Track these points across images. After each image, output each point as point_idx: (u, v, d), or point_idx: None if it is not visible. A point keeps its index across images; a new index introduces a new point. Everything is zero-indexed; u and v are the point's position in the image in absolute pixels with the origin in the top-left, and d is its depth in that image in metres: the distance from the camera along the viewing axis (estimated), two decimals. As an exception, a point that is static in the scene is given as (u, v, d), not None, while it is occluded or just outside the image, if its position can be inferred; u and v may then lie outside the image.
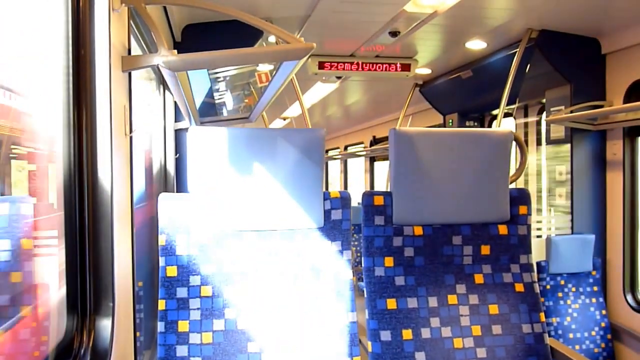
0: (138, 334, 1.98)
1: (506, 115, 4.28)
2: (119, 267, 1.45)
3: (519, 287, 1.85)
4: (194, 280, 1.64)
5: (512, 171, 2.04)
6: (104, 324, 1.39)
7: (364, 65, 4.20)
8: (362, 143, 8.54)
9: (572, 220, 3.69)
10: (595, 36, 3.47)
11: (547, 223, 3.80)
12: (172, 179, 3.29)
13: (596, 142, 3.60)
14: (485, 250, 1.85)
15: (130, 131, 1.67)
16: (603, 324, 3.46)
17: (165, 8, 2.66)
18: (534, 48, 3.42)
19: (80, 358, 1.33)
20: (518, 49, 3.44)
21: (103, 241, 1.40)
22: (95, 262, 1.39)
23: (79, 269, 1.39)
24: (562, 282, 3.46)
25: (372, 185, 8.66)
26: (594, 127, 3.54)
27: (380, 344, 1.72)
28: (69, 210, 1.38)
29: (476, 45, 3.77)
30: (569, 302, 3.45)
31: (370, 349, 1.73)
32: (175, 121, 3.45)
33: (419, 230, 1.82)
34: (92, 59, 1.38)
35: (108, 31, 1.39)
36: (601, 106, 3.44)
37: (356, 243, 6.08)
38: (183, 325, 1.61)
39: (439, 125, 5.41)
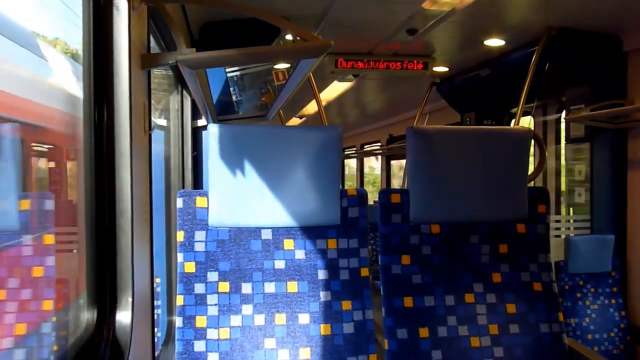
0: (156, 329, 2.00)
1: (525, 113, 4.24)
2: (137, 262, 1.46)
3: (537, 287, 1.83)
4: (212, 276, 1.65)
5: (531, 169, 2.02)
6: (124, 318, 1.41)
7: (381, 63, 4.19)
8: (378, 142, 8.52)
9: (591, 220, 3.65)
10: (616, 33, 3.42)
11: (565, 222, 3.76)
12: (190, 176, 3.32)
13: (617, 141, 3.55)
14: (503, 249, 1.84)
15: (150, 128, 1.68)
16: (622, 325, 3.42)
17: (183, 6, 2.68)
18: (554, 46, 3.37)
19: (101, 352, 1.35)
20: (537, 47, 3.40)
21: (123, 237, 1.42)
22: (115, 257, 1.41)
23: (99, 265, 1.41)
24: (581, 283, 3.42)
25: (388, 183, 8.64)
26: (615, 126, 3.49)
27: (397, 341, 1.72)
28: (90, 206, 1.40)
29: (494, 43, 3.74)
30: (587, 302, 3.41)
31: (386, 347, 1.73)
32: (193, 119, 3.48)
33: (436, 229, 1.81)
34: (113, 57, 1.40)
35: (128, 29, 1.41)
36: (622, 104, 3.39)
37: (372, 241, 6.07)
38: (201, 321, 1.62)
39: (456, 124, 5.38)
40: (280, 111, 3.78)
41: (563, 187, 4.37)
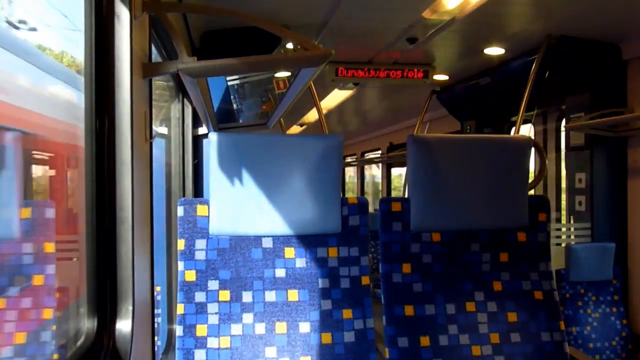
0: (156, 338, 1.99)
1: (525, 121, 4.24)
2: (138, 271, 1.46)
3: (538, 295, 1.83)
4: (212, 284, 1.65)
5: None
6: (124, 327, 1.40)
7: (382, 71, 4.20)
8: (378, 149, 8.53)
9: (592, 228, 3.64)
10: (616, 42, 3.43)
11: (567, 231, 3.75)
12: (191, 184, 3.32)
13: (617, 149, 3.55)
14: (504, 257, 1.84)
15: (150, 137, 1.69)
16: (624, 334, 3.40)
17: (184, 15, 2.69)
18: (554, 54, 3.39)
19: None
20: (537, 55, 3.41)
21: (123, 245, 1.41)
22: (116, 266, 1.41)
23: (100, 273, 1.40)
24: (582, 291, 3.41)
25: (388, 192, 8.63)
26: (615, 134, 3.49)
27: (398, 350, 1.71)
28: (91, 214, 1.40)
29: (494, 51, 3.75)
30: (589, 311, 3.40)
31: (387, 356, 1.72)
32: (194, 127, 3.49)
33: (436, 237, 1.81)
34: (114, 66, 1.40)
35: (130, 38, 1.41)
36: (622, 113, 3.39)
37: (372, 250, 6.07)
38: (201, 330, 1.62)
39: (456, 133, 5.38)
40: (281, 119, 3.79)
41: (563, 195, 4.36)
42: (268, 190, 1.67)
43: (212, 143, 1.66)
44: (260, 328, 1.64)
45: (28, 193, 1.38)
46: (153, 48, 1.99)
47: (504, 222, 1.84)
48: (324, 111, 6.00)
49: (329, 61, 1.60)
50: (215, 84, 3.62)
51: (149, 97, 1.68)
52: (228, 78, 3.79)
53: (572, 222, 3.90)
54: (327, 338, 1.66)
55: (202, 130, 3.51)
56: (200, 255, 1.66)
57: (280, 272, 1.69)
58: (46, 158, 1.49)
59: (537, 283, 1.84)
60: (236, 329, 1.63)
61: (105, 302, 1.40)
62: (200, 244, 1.66)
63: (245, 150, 1.66)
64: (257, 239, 1.69)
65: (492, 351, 1.75)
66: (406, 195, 1.84)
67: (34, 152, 1.42)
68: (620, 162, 3.56)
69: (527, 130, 4.63)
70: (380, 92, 5.57)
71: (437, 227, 1.81)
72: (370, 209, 2.66)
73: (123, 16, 1.41)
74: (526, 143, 1.86)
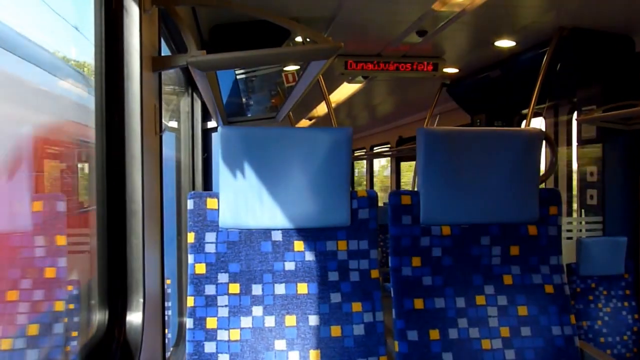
0: (166, 330, 2.01)
1: (536, 114, 4.21)
2: (148, 264, 1.47)
3: (549, 289, 1.82)
4: (222, 277, 1.66)
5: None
6: (135, 320, 1.41)
7: (391, 64, 4.18)
8: (388, 143, 8.51)
9: (603, 222, 3.62)
10: (629, 34, 3.39)
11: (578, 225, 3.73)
12: (200, 178, 3.33)
13: (630, 143, 3.52)
14: (515, 250, 1.83)
15: (160, 130, 1.69)
16: (635, 328, 3.38)
17: (193, 8, 2.69)
18: (565, 46, 3.35)
19: (112, 353, 1.36)
20: (548, 48, 3.37)
21: (134, 238, 1.42)
22: (126, 258, 1.42)
23: (111, 266, 1.41)
24: (593, 285, 3.39)
25: (398, 185, 8.62)
26: (628, 127, 3.46)
27: (407, 343, 1.71)
28: (101, 207, 1.41)
29: (505, 43, 3.72)
30: (599, 305, 3.38)
31: (397, 349, 1.72)
32: (203, 121, 3.49)
33: (446, 230, 1.80)
34: (124, 60, 1.41)
35: (139, 32, 1.42)
36: (635, 105, 3.35)
37: (381, 243, 6.06)
38: (211, 322, 1.63)
39: (466, 126, 5.35)
40: (290, 113, 3.78)
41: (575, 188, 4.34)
42: (277, 183, 1.67)
43: (221, 137, 1.66)
44: (270, 321, 1.65)
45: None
46: (162, 42, 1.99)
47: (515, 215, 1.83)
48: (333, 105, 5.98)
49: (338, 54, 1.59)
50: (225, 77, 3.61)
51: (159, 90, 1.69)
52: (237, 72, 3.79)
53: (583, 215, 3.87)
54: (336, 331, 1.67)
55: (212, 124, 3.51)
56: (210, 249, 1.66)
57: (289, 265, 1.69)
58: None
59: (547, 277, 1.83)
60: (246, 321, 1.64)
61: (116, 295, 1.41)
62: (210, 237, 1.67)
63: (254, 143, 1.66)
64: (267, 232, 1.70)
65: (502, 345, 1.75)
66: (416, 189, 1.83)
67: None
68: (632, 155, 3.52)
69: (538, 123, 4.60)
70: (389, 86, 5.54)
71: (447, 220, 1.80)
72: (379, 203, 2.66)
73: (132, 10, 1.41)
74: (537, 136, 1.84)
